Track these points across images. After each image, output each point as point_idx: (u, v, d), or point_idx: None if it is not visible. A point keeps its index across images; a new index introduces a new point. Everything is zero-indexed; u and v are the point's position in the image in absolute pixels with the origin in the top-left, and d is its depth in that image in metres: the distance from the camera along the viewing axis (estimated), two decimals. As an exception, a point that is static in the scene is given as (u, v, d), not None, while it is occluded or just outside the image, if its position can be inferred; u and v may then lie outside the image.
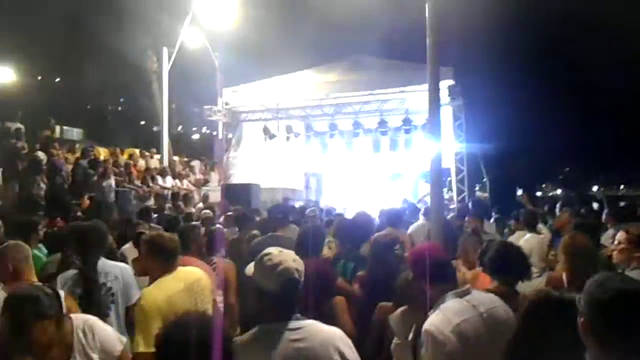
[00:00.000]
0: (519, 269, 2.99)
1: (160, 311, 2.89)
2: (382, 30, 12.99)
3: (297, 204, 10.69)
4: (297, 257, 2.19)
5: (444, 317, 2.29)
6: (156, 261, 3.20)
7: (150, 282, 3.22)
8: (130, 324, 3.33)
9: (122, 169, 12.11)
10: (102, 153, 13.79)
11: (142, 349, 2.80)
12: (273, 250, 2.20)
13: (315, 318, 2.19)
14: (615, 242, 3.47)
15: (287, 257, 2.15)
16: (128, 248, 4.93)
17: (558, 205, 8.53)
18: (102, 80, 22.82)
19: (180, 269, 3.25)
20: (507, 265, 2.96)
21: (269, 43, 18.26)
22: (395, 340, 2.83)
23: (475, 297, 2.44)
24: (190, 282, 3.17)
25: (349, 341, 2.15)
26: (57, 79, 27.26)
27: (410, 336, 2.65)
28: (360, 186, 16.21)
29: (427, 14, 4.65)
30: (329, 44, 17.81)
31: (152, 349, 2.15)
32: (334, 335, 2.13)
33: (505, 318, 2.39)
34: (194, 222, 5.13)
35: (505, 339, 2.28)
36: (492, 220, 7.83)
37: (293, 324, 2.07)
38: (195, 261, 3.87)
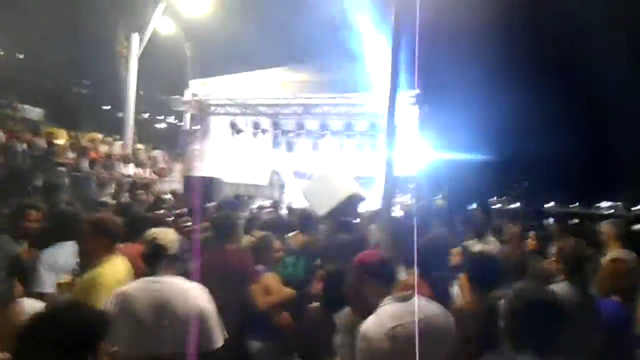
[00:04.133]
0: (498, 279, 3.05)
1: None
2: (355, 34, 13.10)
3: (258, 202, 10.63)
4: (175, 237, 2.81)
5: (380, 320, 2.29)
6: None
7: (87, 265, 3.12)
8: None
9: (81, 153, 11.81)
10: (61, 136, 13.39)
11: None
12: (157, 229, 2.85)
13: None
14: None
15: (163, 232, 2.81)
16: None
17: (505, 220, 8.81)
18: (67, 61, 22.07)
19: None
20: (490, 277, 3.02)
21: (241, 37, 18.10)
22: (339, 339, 2.86)
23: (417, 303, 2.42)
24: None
25: (205, 295, 2.66)
26: (20, 56, 26.22)
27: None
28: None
29: (392, 21, 4.79)
30: (301, 44, 17.80)
31: None
32: (188, 288, 2.65)
33: (443, 327, 2.38)
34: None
35: (441, 347, 2.31)
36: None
37: (156, 279, 2.66)
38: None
